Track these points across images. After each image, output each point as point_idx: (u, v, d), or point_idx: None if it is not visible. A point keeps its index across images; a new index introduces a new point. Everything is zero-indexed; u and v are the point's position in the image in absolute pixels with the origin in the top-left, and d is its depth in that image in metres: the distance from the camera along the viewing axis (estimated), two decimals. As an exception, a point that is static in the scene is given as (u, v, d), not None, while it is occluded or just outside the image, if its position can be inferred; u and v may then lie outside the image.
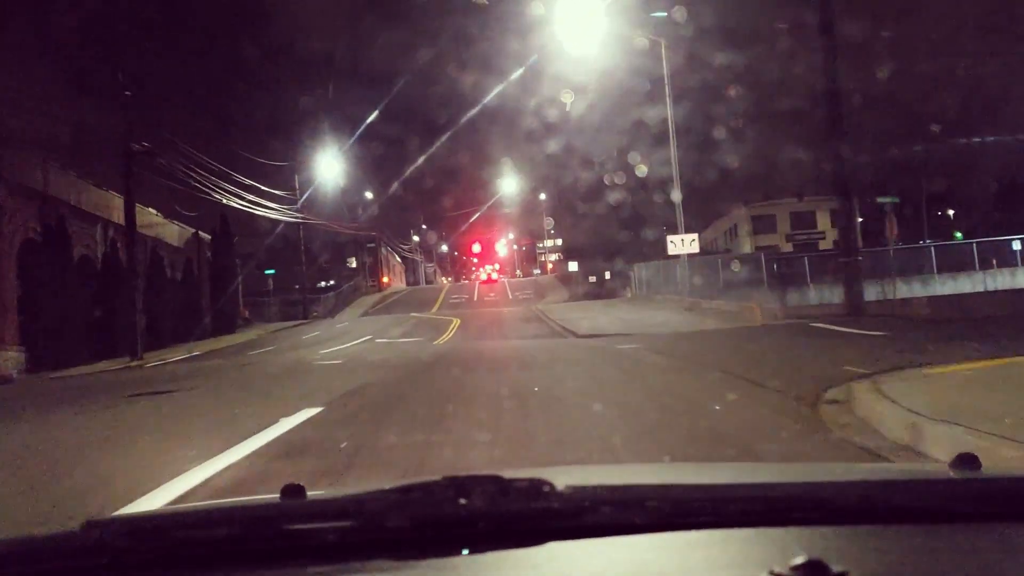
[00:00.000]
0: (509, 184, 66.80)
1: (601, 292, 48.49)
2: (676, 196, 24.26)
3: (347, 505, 1.30)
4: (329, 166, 46.66)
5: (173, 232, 30.98)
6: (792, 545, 1.08)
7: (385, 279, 76.84)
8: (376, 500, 1.26)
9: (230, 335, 31.25)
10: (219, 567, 1.16)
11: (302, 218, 46.03)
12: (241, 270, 49.26)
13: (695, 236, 24.29)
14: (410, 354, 15.88)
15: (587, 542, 1.16)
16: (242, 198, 33.70)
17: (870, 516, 1.22)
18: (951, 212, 61.31)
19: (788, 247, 53.95)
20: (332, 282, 64.31)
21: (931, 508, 1.24)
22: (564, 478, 1.25)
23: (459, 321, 29.16)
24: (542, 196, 79.24)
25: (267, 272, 40.83)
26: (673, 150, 24.31)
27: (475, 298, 53.87)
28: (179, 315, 28.51)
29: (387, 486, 1.30)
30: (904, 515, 1.22)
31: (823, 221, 61.19)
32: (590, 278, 53.34)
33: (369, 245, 70.55)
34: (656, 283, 33.78)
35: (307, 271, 73.22)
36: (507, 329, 24.42)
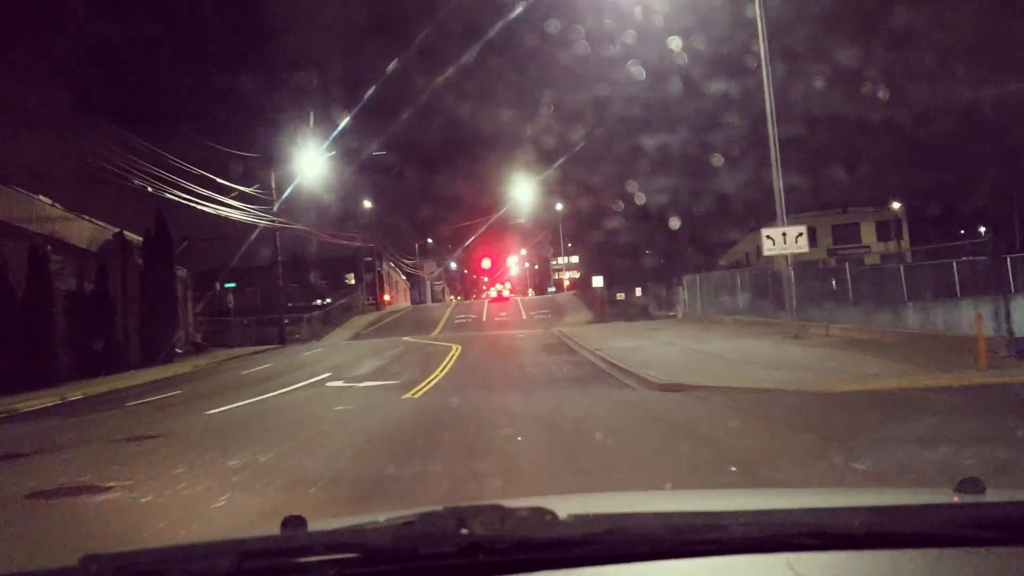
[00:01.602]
0: (522, 191, 59.04)
1: (631, 312, 40.86)
2: (775, 175, 16.67)
3: (348, 537, 1.31)
4: (312, 162, 39.16)
5: (82, 231, 23.46)
6: (795, 571, 1.10)
7: (386, 297, 69.87)
8: (377, 531, 1.27)
9: (162, 366, 23.81)
10: None
11: (280, 223, 38.61)
12: (201, 284, 42.23)
13: (802, 230, 16.60)
14: (332, 428, 8.34)
15: (590, 571, 1.15)
16: (192, 194, 26.45)
17: (874, 541, 1.21)
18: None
19: (831, 263, 49.09)
20: (327, 300, 57.13)
21: (935, 533, 1.23)
22: (566, 506, 1.26)
23: (459, 350, 21.56)
24: (558, 206, 71.43)
25: (227, 286, 33.29)
26: (770, 106, 16.71)
27: (484, 318, 46.49)
28: (78, 342, 20.96)
29: (388, 516, 1.30)
30: (908, 540, 1.21)
31: (867, 234, 56.22)
32: (617, 295, 45.39)
33: (367, 259, 63.24)
34: (718, 300, 25.99)
35: (298, 288, 66.32)
36: (525, 364, 16.76)
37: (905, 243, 49.93)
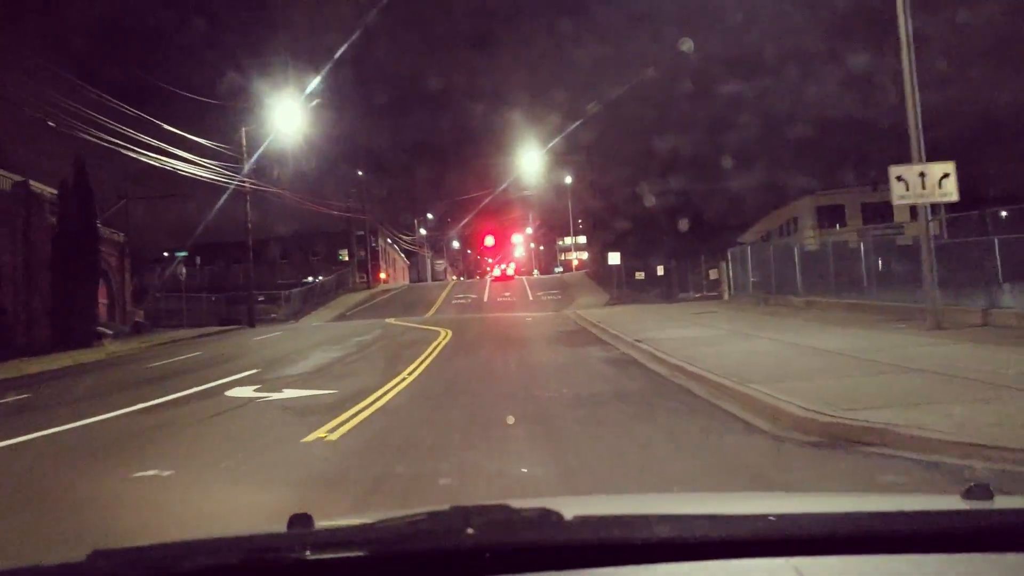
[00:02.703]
0: (530, 161, 53.09)
1: (652, 292, 35.59)
2: (910, 110, 11.18)
3: (354, 535, 1.31)
4: (290, 116, 33.45)
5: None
6: (803, 575, 1.10)
7: (383, 275, 64.78)
8: (384, 530, 1.28)
9: (72, 352, 18.53)
10: None
11: (251, 184, 33.16)
12: (162, 256, 37.06)
13: (948, 169, 11.07)
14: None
15: (595, 573, 1.14)
16: (126, 140, 21.00)
17: (882, 546, 1.21)
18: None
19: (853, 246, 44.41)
20: (320, 278, 51.96)
21: (943, 538, 1.23)
22: (573, 508, 1.25)
23: (448, 338, 16.24)
24: (567, 179, 65.48)
25: (177, 254, 27.86)
26: (905, 24, 11.18)
27: (485, 298, 41.18)
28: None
29: (396, 515, 1.31)
30: (916, 545, 1.21)
31: (900, 213, 51.51)
32: (637, 274, 39.74)
33: (359, 233, 57.81)
34: (781, 277, 20.48)
35: (288, 265, 61.00)
36: (539, 364, 11.37)
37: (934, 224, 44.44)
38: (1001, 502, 1.43)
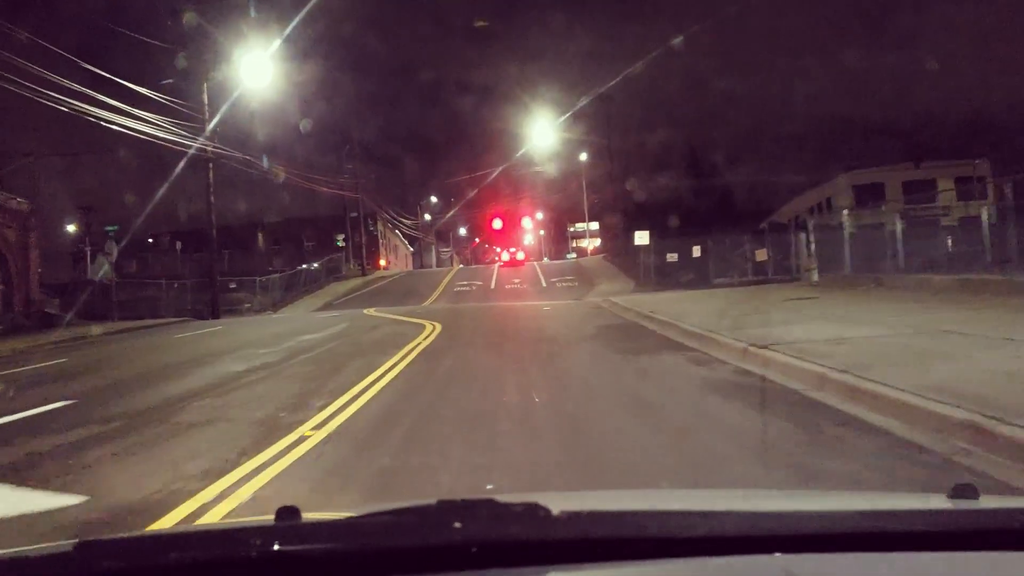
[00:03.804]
0: (543, 133, 46.78)
1: (687, 277, 30.12)
2: None
3: (341, 528, 1.30)
4: (260, 69, 27.61)
5: None
6: (791, 573, 1.10)
7: (382, 262, 59.74)
8: (370, 523, 1.26)
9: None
10: None
11: (215, 148, 27.65)
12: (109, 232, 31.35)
13: None
14: None
15: (582, 569, 1.14)
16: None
17: (870, 544, 1.20)
18: None
19: (900, 226, 39.82)
20: (315, 265, 46.77)
21: (930, 537, 1.23)
22: (560, 503, 1.23)
23: (436, 333, 10.76)
24: (583, 156, 59.33)
25: (107, 229, 22.41)
26: None
27: (492, 285, 35.78)
28: None
29: (382, 508, 1.30)
30: (903, 543, 1.21)
31: (946, 193, 47.19)
32: (668, 256, 33.69)
33: (352, 215, 52.47)
34: (896, 255, 14.82)
35: (279, 251, 55.60)
36: (587, 391, 5.77)
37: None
38: (986, 502, 1.42)
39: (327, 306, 31.20)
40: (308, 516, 1.34)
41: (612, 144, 43.98)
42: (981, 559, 1.17)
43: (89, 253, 27.13)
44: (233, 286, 33.17)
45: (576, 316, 14.34)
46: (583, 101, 36.38)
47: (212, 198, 28.00)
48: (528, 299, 25.68)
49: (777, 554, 1.16)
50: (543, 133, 45.51)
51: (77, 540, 1.17)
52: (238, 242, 50.69)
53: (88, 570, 1.13)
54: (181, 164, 27.81)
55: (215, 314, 27.65)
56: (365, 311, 20.18)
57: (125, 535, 1.32)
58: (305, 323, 17.10)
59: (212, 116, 27.63)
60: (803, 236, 20.73)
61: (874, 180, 45.72)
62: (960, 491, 1.40)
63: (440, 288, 35.35)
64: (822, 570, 1.15)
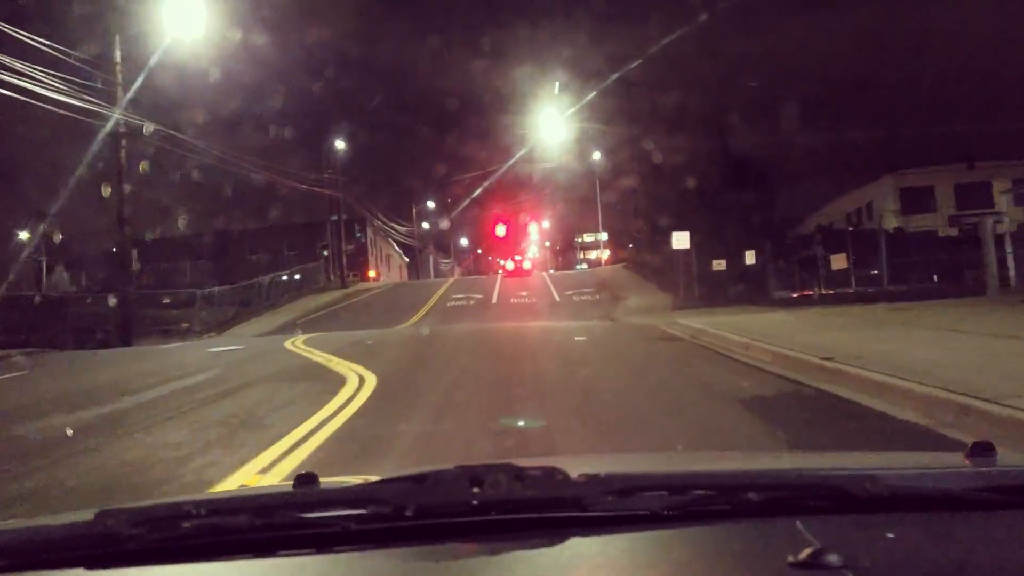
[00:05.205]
0: (551, 127, 39.60)
1: (736, 290, 23.80)
2: None
3: (360, 493, 1.29)
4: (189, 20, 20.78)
5: None
6: (807, 534, 1.09)
7: (372, 272, 53.28)
8: (389, 488, 1.26)
9: None
10: (231, 555, 1.13)
11: (130, 118, 21.04)
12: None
13: None
14: None
15: (598, 532, 1.12)
16: None
17: (886, 504, 1.19)
18: None
19: (951, 233, 34.93)
20: (298, 277, 40.45)
21: (947, 496, 1.22)
22: (578, 467, 1.23)
23: (358, 407, 4.00)
24: (596, 155, 52.25)
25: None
26: None
27: (494, 299, 29.37)
28: None
29: (401, 474, 1.29)
30: (919, 503, 1.20)
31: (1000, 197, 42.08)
32: (715, 264, 26.47)
33: (332, 219, 45.90)
34: None
35: (257, 261, 48.69)
36: None
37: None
38: (1004, 459, 1.40)
39: (287, 326, 24.90)
40: (325, 482, 1.36)
41: (639, 136, 36.93)
42: (1000, 518, 1.15)
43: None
44: (167, 301, 26.46)
45: (641, 354, 7.74)
46: (612, 78, 29.51)
47: (124, 185, 21.26)
48: (542, 317, 19.07)
49: (793, 515, 1.14)
50: (558, 124, 38.36)
51: (97, 508, 1.18)
52: (214, 251, 44.33)
53: (108, 539, 1.13)
54: (95, 144, 21.35)
55: (126, 340, 20.96)
56: (289, 344, 13.36)
57: (145, 504, 1.27)
58: (160, 364, 10.31)
59: (130, 83, 21.07)
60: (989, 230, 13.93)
61: (922, 183, 42.44)
62: (978, 449, 1.37)
63: (430, 303, 28.81)
64: (839, 531, 1.12)
